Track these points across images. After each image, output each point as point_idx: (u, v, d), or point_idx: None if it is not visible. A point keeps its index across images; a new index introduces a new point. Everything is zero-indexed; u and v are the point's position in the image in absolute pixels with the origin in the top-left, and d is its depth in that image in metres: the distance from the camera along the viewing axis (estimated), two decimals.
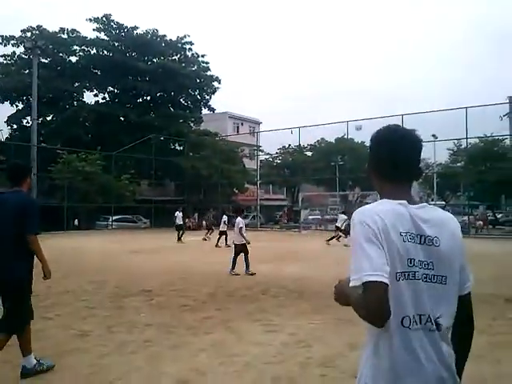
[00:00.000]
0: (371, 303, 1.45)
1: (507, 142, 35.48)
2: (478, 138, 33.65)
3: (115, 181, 33.59)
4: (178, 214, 23.11)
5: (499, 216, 40.78)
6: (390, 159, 1.69)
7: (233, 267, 11.41)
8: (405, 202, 1.61)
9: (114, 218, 34.20)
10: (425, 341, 1.53)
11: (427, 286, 1.55)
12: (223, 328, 6.17)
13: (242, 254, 11.54)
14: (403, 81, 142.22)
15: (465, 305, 1.67)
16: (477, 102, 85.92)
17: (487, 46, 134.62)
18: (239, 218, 11.97)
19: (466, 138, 30.52)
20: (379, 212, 1.56)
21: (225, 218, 20.29)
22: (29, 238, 4.25)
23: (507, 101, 33.46)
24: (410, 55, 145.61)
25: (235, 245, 11.83)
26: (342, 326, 6.24)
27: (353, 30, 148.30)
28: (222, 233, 19.89)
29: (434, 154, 37.98)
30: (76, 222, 34.09)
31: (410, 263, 1.54)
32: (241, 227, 11.64)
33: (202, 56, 43.57)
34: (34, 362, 4.41)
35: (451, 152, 43.93)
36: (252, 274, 11.14)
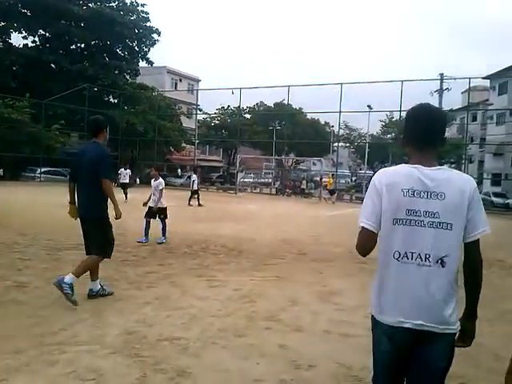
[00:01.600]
0: (358, 240, 2.11)
1: None
2: None
3: (44, 131, 31.86)
4: (123, 172, 21.17)
5: None
6: (416, 131, 2.11)
7: (146, 233, 9.80)
8: (418, 165, 2.02)
9: (43, 170, 32.61)
10: (416, 272, 1.97)
11: (434, 231, 1.96)
12: (166, 282, 6.21)
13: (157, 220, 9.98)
14: (342, 52, 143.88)
15: (470, 249, 2.01)
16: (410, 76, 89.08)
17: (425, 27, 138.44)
18: (161, 179, 10.20)
19: (400, 111, 31.65)
20: (388, 173, 2.07)
21: (194, 177, 20.91)
22: (103, 182, 5.13)
23: (439, 77, 34.87)
24: (347, 30, 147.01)
25: (158, 208, 9.88)
26: (282, 283, 6.49)
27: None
28: (194, 192, 20.36)
29: (368, 124, 39.31)
30: (1, 171, 32.19)
31: (409, 213, 1.98)
32: (161, 189, 9.98)
33: (142, 5, 41.56)
34: (99, 287, 5.42)
35: (383, 124, 45.60)
36: (161, 243, 9.60)
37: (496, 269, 8.41)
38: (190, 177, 40.75)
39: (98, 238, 5.23)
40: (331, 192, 30.52)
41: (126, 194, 19.87)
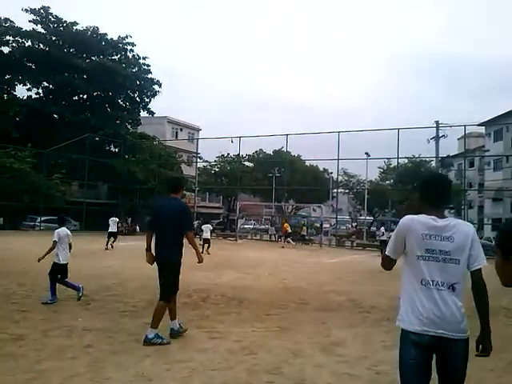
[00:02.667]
0: (384, 261, 2.96)
1: (433, 163, 37.68)
2: (407, 158, 35.51)
3: (45, 180, 32.09)
4: (112, 220, 21.62)
5: None
6: (432, 195, 2.86)
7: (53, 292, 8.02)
8: (434, 217, 2.75)
9: (42, 218, 32.60)
10: (435, 295, 2.67)
11: (446, 265, 2.68)
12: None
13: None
14: (338, 99, 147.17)
15: (475, 276, 2.70)
16: (406, 124, 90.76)
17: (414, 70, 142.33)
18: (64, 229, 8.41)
19: (397, 158, 32.05)
20: (411, 220, 2.78)
21: (209, 226, 22.40)
22: (187, 233, 5.91)
23: (434, 125, 35.53)
24: (343, 77, 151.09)
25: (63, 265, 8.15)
26: (284, 334, 6.36)
27: (291, 47, 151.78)
28: (205, 241, 20.92)
29: (366, 171, 39.60)
30: (1, 220, 32.18)
31: (427, 251, 2.70)
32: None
33: (144, 58, 42.86)
34: (177, 326, 6.01)
35: (381, 170, 46.00)
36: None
37: (501, 317, 8.26)
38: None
39: (167, 281, 5.78)
40: (287, 236, 29.99)
41: (108, 241, 20.81)
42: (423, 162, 36.56)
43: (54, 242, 8.03)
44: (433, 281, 2.67)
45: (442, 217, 2.77)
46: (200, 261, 6.30)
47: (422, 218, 2.75)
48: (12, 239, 22.75)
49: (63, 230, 8.24)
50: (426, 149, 36.00)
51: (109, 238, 20.96)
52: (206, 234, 21.30)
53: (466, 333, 2.66)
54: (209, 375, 4.54)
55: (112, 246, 20.80)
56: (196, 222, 23.00)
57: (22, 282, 9.85)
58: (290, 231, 30.66)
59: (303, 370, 4.85)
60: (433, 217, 2.75)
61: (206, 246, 20.51)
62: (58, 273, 8.06)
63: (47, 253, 8.04)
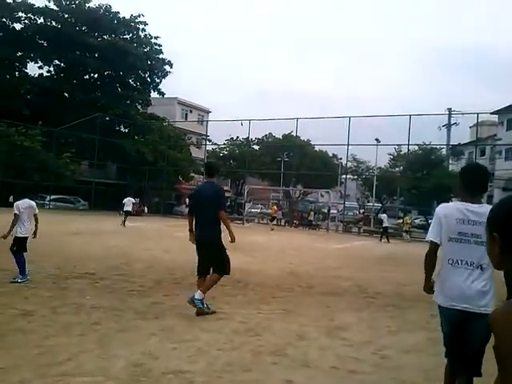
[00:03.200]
0: (428, 250, 3.29)
1: (443, 151, 37.34)
2: (417, 145, 35.18)
3: (55, 158, 32.27)
4: (128, 200, 23.54)
5: (430, 221, 42.85)
6: (466, 182, 3.18)
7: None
8: (467, 203, 3.11)
9: (52, 197, 32.87)
10: (463, 273, 3.08)
11: (476, 247, 3.01)
12: (172, 314, 6.16)
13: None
14: (350, 86, 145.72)
15: None
16: (419, 111, 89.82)
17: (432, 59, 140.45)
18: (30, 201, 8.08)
19: (408, 145, 31.79)
20: (447, 207, 3.27)
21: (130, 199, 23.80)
22: (220, 212, 6.38)
23: (447, 112, 35.17)
24: (354, 63, 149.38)
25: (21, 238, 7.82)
26: (289, 317, 6.41)
27: (307, 31, 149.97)
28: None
29: (376, 157, 39.36)
30: (11, 198, 32.46)
31: (459, 234, 3.08)
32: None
33: (156, 38, 42.65)
34: (201, 296, 6.18)
35: (391, 157, 45.68)
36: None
37: None
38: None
39: (219, 259, 6.40)
40: (272, 219, 32.71)
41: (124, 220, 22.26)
42: (434, 150, 36.21)
43: (15, 215, 7.65)
44: (462, 260, 3.06)
45: (478, 203, 3.11)
46: (232, 240, 6.49)
47: (458, 204, 3.14)
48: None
49: (24, 202, 7.85)
50: (438, 136, 35.55)
51: (126, 216, 22.56)
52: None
53: (489, 307, 2.95)
54: (214, 355, 4.60)
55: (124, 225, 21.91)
56: None
57: (30, 260, 9.93)
58: (275, 216, 33.34)
59: (307, 352, 4.90)
60: (468, 203, 3.09)
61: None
62: (15, 246, 7.68)
63: (11, 228, 7.68)
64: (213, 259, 6.43)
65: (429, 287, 3.38)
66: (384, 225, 25.41)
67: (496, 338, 1.03)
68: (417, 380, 4.29)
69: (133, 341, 4.90)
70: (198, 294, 6.13)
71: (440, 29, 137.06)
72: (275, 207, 34.06)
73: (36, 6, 38.21)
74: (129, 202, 23.44)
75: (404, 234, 28.12)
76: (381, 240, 24.35)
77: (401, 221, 30.55)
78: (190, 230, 6.56)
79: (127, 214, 22.82)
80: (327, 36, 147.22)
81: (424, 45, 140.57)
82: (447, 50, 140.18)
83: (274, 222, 33.03)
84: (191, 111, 55.32)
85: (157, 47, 42.57)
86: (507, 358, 1.00)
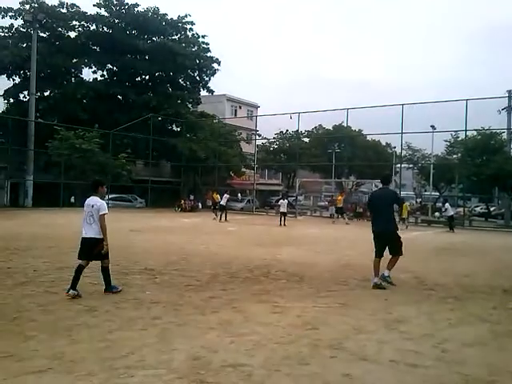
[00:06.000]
0: None
1: (504, 135, 35.57)
2: (475, 130, 33.69)
3: (112, 159, 33.48)
4: (224, 197, 26.10)
5: (492, 209, 41.11)
6: None
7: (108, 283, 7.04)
8: None
9: (110, 196, 34.10)
10: None
11: None
12: (229, 308, 6.25)
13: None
14: (402, 73, 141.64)
15: None
16: (476, 94, 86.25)
17: (487, 40, 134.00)
18: (99, 199, 7.29)
19: (465, 130, 30.61)
20: None
21: (282, 201, 25.61)
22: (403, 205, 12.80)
23: (506, 95, 33.42)
24: (409, 47, 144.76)
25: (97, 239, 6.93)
26: (346, 310, 6.34)
27: (354, 19, 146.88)
28: (282, 214, 24.24)
29: (432, 144, 38.15)
30: (72, 199, 34.01)
31: None
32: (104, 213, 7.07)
33: (203, 37, 43.18)
34: (387, 274, 8.24)
35: (448, 144, 44.05)
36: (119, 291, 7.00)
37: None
38: (249, 201, 41.72)
39: (397, 244, 8.21)
40: (338, 210, 28.33)
41: (224, 215, 25.41)
42: (493, 135, 34.52)
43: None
44: None
45: None
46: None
47: None
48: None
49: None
50: (497, 120, 33.84)
51: (221, 211, 25.58)
52: (283, 209, 24.58)
53: None
54: (271, 349, 4.63)
55: (221, 219, 25.17)
56: (277, 198, 26.82)
57: None
58: (341, 206, 28.61)
59: (365, 345, 4.83)
60: None
61: (283, 218, 23.88)
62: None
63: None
64: (393, 244, 8.19)
65: None
66: (449, 214, 24.56)
67: None
68: (480, 375, 4.12)
69: (192, 335, 5.01)
70: (386, 272, 8.20)
71: (492, 3, 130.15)
72: (340, 197, 29.27)
73: (88, 13, 39.64)
74: (225, 198, 26.04)
75: (401, 222, 23.79)
76: (452, 230, 23.50)
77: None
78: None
79: (222, 208, 25.79)
80: (376, 22, 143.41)
81: (477, 23, 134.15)
82: (502, 27, 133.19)
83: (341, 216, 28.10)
84: (240, 107, 55.72)
85: (204, 46, 43.11)
86: None
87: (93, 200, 7.14)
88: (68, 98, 36.63)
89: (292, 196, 38.34)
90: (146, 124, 36.85)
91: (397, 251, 8.18)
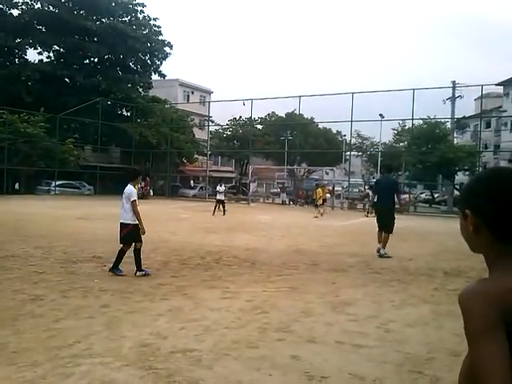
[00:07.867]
0: None
1: (448, 125, 37.02)
2: (422, 119, 34.89)
3: (59, 144, 32.32)
4: (220, 189, 22.87)
5: (436, 196, 42.80)
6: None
7: (116, 265, 7.49)
8: None
9: (57, 183, 33.02)
10: None
11: None
12: (180, 294, 6.24)
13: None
14: (352, 61, 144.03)
15: None
16: (422, 85, 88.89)
17: (436, 32, 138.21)
18: (130, 187, 7.71)
19: (412, 119, 31.58)
20: None
21: (219, 187, 22.82)
22: (398, 193, 10.94)
23: (451, 85, 34.72)
24: (356, 36, 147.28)
25: (121, 224, 7.71)
26: (295, 294, 6.48)
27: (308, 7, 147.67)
28: (218, 201, 22.13)
29: (380, 133, 39.19)
30: (17, 185, 32.67)
31: None
32: (134, 200, 7.56)
33: (154, 19, 42.07)
34: (383, 251, 9.91)
35: (395, 132, 45.39)
36: (146, 275, 7.38)
37: None
38: (203, 188, 41.44)
39: (389, 221, 10.14)
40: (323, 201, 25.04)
41: (223, 209, 21.89)
42: (438, 124, 35.86)
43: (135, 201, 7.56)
44: None
45: None
46: (401, 211, 11.52)
47: None
48: (28, 203, 23.13)
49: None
50: (442, 110, 35.19)
51: (218, 204, 22.17)
52: (220, 196, 22.45)
53: None
54: (221, 333, 4.68)
55: (215, 212, 21.51)
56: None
57: (39, 245, 10.07)
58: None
59: (313, 328, 4.97)
60: None
61: (220, 206, 21.86)
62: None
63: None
64: (386, 222, 10.12)
65: None
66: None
67: (463, 318, 1.02)
68: (420, 352, 4.34)
69: (141, 322, 4.98)
70: (381, 250, 9.91)
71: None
72: (321, 192, 24.86)
73: None
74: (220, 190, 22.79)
75: (314, 208, 23.90)
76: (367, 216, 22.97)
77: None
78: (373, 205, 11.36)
79: (219, 202, 22.29)
80: (319, 12, 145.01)
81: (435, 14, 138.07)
82: (451, 19, 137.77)
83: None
84: (193, 92, 54.98)
85: (156, 29, 42.04)
86: (471, 339, 0.99)
87: (126, 188, 7.71)
88: (11, 80, 34.78)
89: (244, 183, 38.35)
90: (95, 108, 35.65)
91: (387, 227, 10.03)
